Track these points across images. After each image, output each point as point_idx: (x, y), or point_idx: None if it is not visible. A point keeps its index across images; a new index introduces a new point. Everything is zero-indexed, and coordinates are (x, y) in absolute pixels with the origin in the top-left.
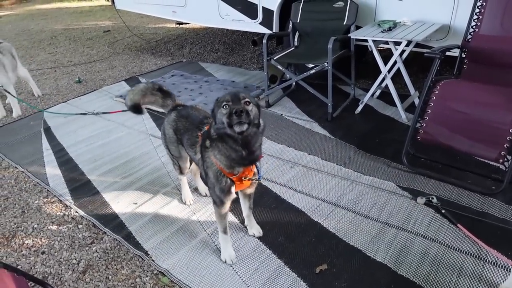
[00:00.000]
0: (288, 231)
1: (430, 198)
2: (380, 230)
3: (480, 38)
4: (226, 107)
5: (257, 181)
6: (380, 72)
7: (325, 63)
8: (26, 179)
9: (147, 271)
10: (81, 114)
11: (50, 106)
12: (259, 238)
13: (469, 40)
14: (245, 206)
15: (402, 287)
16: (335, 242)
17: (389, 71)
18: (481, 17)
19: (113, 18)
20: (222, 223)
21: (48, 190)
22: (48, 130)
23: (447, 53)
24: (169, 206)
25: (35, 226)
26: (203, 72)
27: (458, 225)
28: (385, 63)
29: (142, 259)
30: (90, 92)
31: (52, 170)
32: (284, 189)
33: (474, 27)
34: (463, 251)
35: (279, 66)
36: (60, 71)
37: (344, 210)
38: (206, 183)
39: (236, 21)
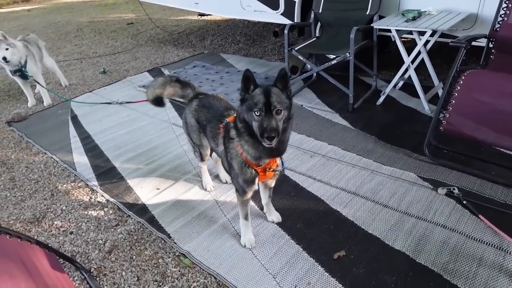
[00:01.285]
0: (307, 218)
1: (452, 189)
2: (399, 219)
3: (509, 27)
4: (257, 113)
5: (279, 173)
6: (403, 63)
7: (347, 53)
8: (54, 164)
9: (169, 253)
10: (106, 103)
11: (77, 96)
12: (278, 224)
13: (497, 29)
14: (264, 195)
15: (421, 274)
16: (353, 230)
17: (412, 62)
18: (510, 5)
19: (136, 11)
20: (244, 210)
21: (75, 175)
22: (75, 119)
23: (474, 44)
24: (190, 192)
25: (64, 208)
26: (224, 63)
27: (480, 216)
28: (409, 54)
29: (165, 241)
30: (115, 82)
31: (79, 156)
32: (303, 177)
33: (502, 15)
34: (484, 241)
35: (300, 57)
36: (86, 62)
37: (363, 199)
38: (229, 172)
39: (257, 12)
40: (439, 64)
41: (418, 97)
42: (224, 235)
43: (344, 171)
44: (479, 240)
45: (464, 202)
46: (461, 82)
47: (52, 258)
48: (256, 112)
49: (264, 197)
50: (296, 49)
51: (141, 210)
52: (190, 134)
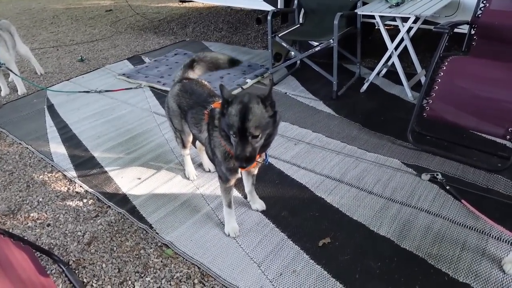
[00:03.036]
0: (291, 206)
1: (435, 175)
2: (384, 205)
3: (490, 13)
4: (233, 135)
5: (263, 164)
6: (386, 50)
7: (331, 40)
8: (30, 155)
9: (151, 243)
10: (84, 92)
11: (53, 84)
12: (262, 212)
13: (479, 15)
14: (248, 182)
15: (405, 259)
16: (338, 217)
17: (395, 49)
18: None
19: None
20: (226, 197)
21: (52, 166)
22: (51, 108)
23: (456, 30)
24: (172, 181)
25: (40, 200)
26: (207, 51)
27: (463, 200)
28: (392, 41)
29: (146, 232)
30: (93, 70)
31: (56, 147)
32: (287, 165)
33: (484, 2)
34: (467, 226)
35: (283, 44)
36: (62, 50)
37: (347, 186)
38: (212, 159)
39: None
40: (421, 52)
41: (401, 84)
42: (208, 225)
43: (328, 158)
44: (463, 224)
45: (447, 187)
46: (444, 68)
47: (28, 251)
48: (232, 134)
49: (247, 185)
50: (279, 36)
51: (122, 200)
52: (172, 119)
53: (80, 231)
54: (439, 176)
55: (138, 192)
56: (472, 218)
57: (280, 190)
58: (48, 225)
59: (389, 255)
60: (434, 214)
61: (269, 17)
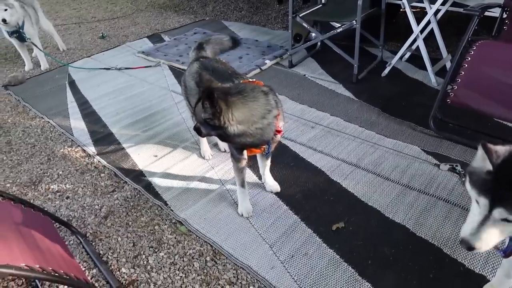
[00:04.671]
0: (306, 189)
1: (454, 166)
2: (401, 192)
3: None
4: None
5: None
6: (410, 33)
7: (353, 21)
8: (51, 129)
9: (166, 220)
10: (104, 69)
11: (75, 61)
12: (276, 194)
13: None
14: (262, 163)
15: (420, 248)
16: (353, 202)
17: (421, 32)
18: None
19: None
20: (239, 176)
21: (72, 140)
22: (72, 84)
23: (486, 14)
24: (188, 160)
25: (60, 172)
26: (226, 30)
27: None
28: (418, 24)
29: (161, 208)
30: (113, 47)
31: (76, 122)
32: (303, 148)
33: None
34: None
35: (304, 24)
36: (84, 27)
37: (364, 171)
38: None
39: None
40: (447, 36)
41: (424, 69)
42: (221, 204)
43: (345, 143)
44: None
45: (463, 179)
46: (472, 53)
47: (47, 222)
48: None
49: (262, 166)
50: (300, 15)
51: (138, 177)
52: (188, 98)
53: (98, 205)
54: (459, 167)
55: (154, 169)
56: None
57: (295, 173)
58: (67, 197)
59: (403, 242)
60: (453, 203)
61: None
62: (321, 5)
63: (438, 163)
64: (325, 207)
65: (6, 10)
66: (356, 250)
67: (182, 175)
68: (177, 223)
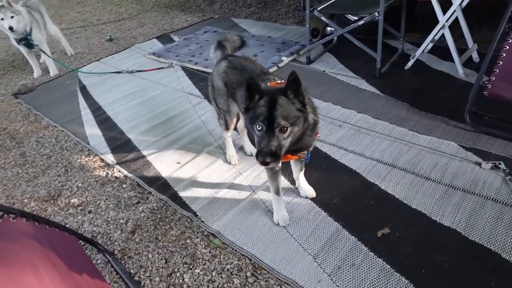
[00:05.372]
0: (343, 193)
1: (497, 164)
2: (445, 192)
3: None
4: (258, 127)
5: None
6: (431, 23)
7: (376, 13)
8: (66, 138)
9: (197, 232)
10: (115, 72)
11: (84, 65)
12: (312, 199)
13: None
14: (296, 168)
15: (476, 253)
16: (395, 205)
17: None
18: None
19: None
20: (274, 184)
21: (89, 149)
22: (83, 89)
23: None
24: (213, 166)
25: (80, 185)
26: (237, 28)
27: None
28: (444, 13)
29: (191, 220)
30: (122, 50)
31: (91, 129)
32: (334, 148)
33: None
34: None
35: (323, 18)
36: (90, 30)
37: (402, 171)
38: None
39: None
40: (469, 25)
41: (449, 60)
42: (255, 213)
43: (377, 141)
44: None
45: (508, 177)
46: (510, 41)
47: (73, 242)
48: (257, 126)
49: (296, 170)
50: (318, 9)
51: (163, 186)
52: (216, 99)
53: (123, 219)
54: (502, 166)
55: (178, 178)
56: None
57: (329, 176)
58: (90, 211)
59: (456, 248)
60: (503, 203)
61: None
62: None
63: (480, 160)
64: (366, 212)
65: (12, 17)
66: (407, 258)
67: (209, 183)
68: (210, 236)
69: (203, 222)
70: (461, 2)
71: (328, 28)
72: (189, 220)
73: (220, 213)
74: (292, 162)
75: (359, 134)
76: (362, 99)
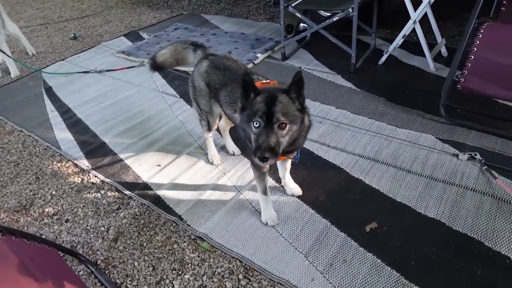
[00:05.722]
0: (328, 189)
1: (473, 154)
2: (427, 185)
3: None
4: (256, 124)
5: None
6: (401, 19)
7: (350, 9)
8: (34, 143)
9: (184, 237)
10: (83, 72)
11: (47, 65)
12: (298, 197)
13: None
14: (282, 167)
15: (461, 243)
16: (381, 199)
17: None
18: None
19: None
20: (261, 184)
21: (60, 154)
22: (49, 91)
23: None
24: (196, 167)
25: (53, 192)
26: (208, 24)
27: (497, 181)
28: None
29: (176, 224)
30: (89, 48)
31: (61, 133)
32: (317, 145)
33: None
34: None
35: (298, 14)
36: (51, 28)
37: (384, 166)
38: (243, 143)
39: None
40: (435, 21)
41: (419, 54)
42: (242, 213)
43: (358, 136)
44: None
45: (484, 168)
46: (480, 36)
47: (54, 255)
48: (254, 123)
49: (281, 169)
50: (293, 5)
51: (144, 190)
52: (197, 100)
53: (103, 226)
54: (478, 156)
55: (160, 181)
56: None
57: (314, 173)
58: (67, 220)
59: (442, 238)
60: (482, 192)
61: None
62: None
63: (457, 152)
64: (353, 207)
65: None
66: (396, 251)
67: (192, 185)
68: (198, 239)
69: (189, 225)
70: None
71: (301, 24)
72: (174, 224)
73: (206, 216)
74: (278, 162)
75: (340, 129)
76: (340, 95)
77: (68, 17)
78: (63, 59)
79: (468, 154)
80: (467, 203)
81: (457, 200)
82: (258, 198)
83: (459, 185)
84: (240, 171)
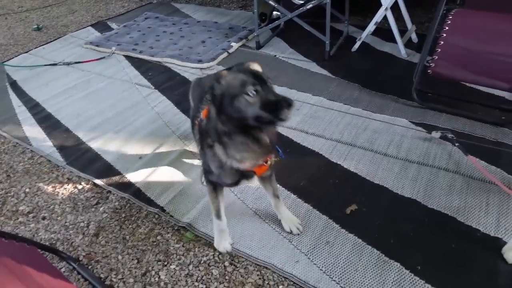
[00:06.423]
0: (309, 175)
1: (445, 133)
2: (402, 166)
3: None
4: (252, 93)
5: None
6: (371, 6)
7: None
8: (2, 140)
9: (167, 228)
10: (50, 65)
11: (10, 58)
12: (281, 183)
13: None
14: (269, 192)
15: (436, 219)
16: (359, 182)
17: None
18: None
19: None
20: (214, 202)
21: (32, 151)
22: (14, 85)
23: None
24: (176, 157)
25: (27, 190)
26: (179, 13)
27: (468, 156)
28: None
29: (159, 215)
30: (54, 40)
31: (31, 129)
32: (295, 132)
33: None
34: (486, 180)
35: (271, 2)
36: (12, 18)
37: (361, 150)
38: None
39: None
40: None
41: (391, 41)
42: (225, 201)
43: (335, 122)
44: (482, 179)
45: (456, 144)
46: (449, 23)
47: (35, 253)
48: (250, 93)
49: (270, 196)
50: None
51: (123, 183)
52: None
53: (83, 222)
54: (449, 134)
55: (139, 173)
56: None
57: (294, 159)
58: (44, 218)
59: (418, 216)
60: (453, 171)
61: None
62: None
63: (429, 132)
64: (333, 191)
65: None
66: (376, 231)
67: (173, 175)
68: (181, 230)
69: (172, 216)
70: None
71: (275, 12)
72: (156, 216)
73: (189, 206)
74: (264, 186)
75: (317, 116)
76: (315, 82)
77: (29, 7)
78: (26, 51)
79: (441, 132)
80: (440, 182)
81: (431, 180)
82: (240, 187)
83: (432, 165)
84: None
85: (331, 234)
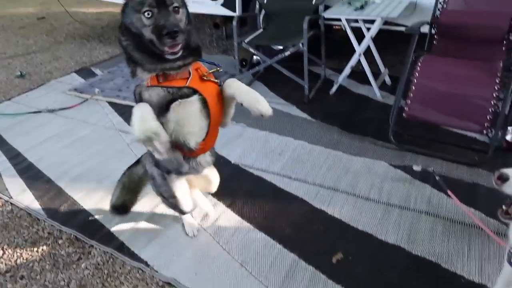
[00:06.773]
0: (293, 222)
1: (426, 168)
2: (385, 211)
3: (449, 14)
4: (148, 14)
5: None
6: (347, 50)
7: (300, 44)
8: None
9: (151, 284)
10: (33, 112)
11: None
12: (266, 232)
13: (438, 16)
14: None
15: (420, 266)
16: (343, 228)
17: None
18: None
19: (46, 3)
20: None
21: (11, 203)
22: None
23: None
24: (160, 207)
25: (5, 247)
26: None
27: (449, 191)
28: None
29: (143, 271)
30: (38, 87)
31: (11, 180)
32: (278, 177)
33: (442, 3)
34: (466, 223)
35: (251, 49)
36: None
37: (344, 194)
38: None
39: (196, 3)
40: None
41: (367, 84)
42: (210, 253)
43: (317, 166)
44: (462, 222)
45: (437, 178)
46: (418, 69)
47: None
48: (146, 14)
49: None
50: (246, 41)
51: (106, 237)
52: None
53: (63, 280)
54: (430, 168)
55: (123, 225)
56: (468, 215)
57: (277, 206)
58: (22, 277)
59: (403, 264)
60: (434, 215)
61: (234, 23)
62: (262, 30)
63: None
64: (318, 239)
65: None
66: (362, 280)
67: (157, 227)
68: (166, 286)
69: (156, 271)
70: (371, 34)
71: (255, 57)
72: (140, 271)
73: (174, 258)
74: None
75: (299, 160)
76: (296, 125)
77: (13, 54)
78: (9, 99)
79: (421, 167)
80: (422, 227)
81: (413, 224)
82: (225, 237)
83: (414, 209)
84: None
85: (319, 285)
